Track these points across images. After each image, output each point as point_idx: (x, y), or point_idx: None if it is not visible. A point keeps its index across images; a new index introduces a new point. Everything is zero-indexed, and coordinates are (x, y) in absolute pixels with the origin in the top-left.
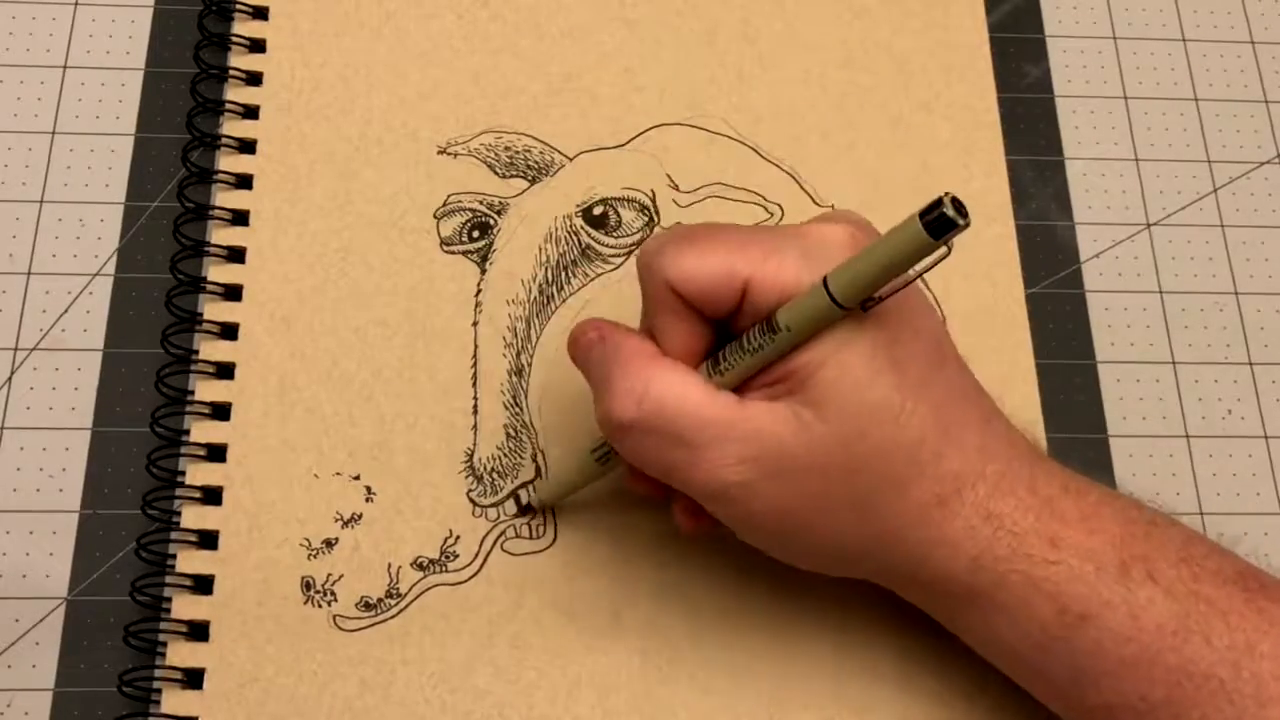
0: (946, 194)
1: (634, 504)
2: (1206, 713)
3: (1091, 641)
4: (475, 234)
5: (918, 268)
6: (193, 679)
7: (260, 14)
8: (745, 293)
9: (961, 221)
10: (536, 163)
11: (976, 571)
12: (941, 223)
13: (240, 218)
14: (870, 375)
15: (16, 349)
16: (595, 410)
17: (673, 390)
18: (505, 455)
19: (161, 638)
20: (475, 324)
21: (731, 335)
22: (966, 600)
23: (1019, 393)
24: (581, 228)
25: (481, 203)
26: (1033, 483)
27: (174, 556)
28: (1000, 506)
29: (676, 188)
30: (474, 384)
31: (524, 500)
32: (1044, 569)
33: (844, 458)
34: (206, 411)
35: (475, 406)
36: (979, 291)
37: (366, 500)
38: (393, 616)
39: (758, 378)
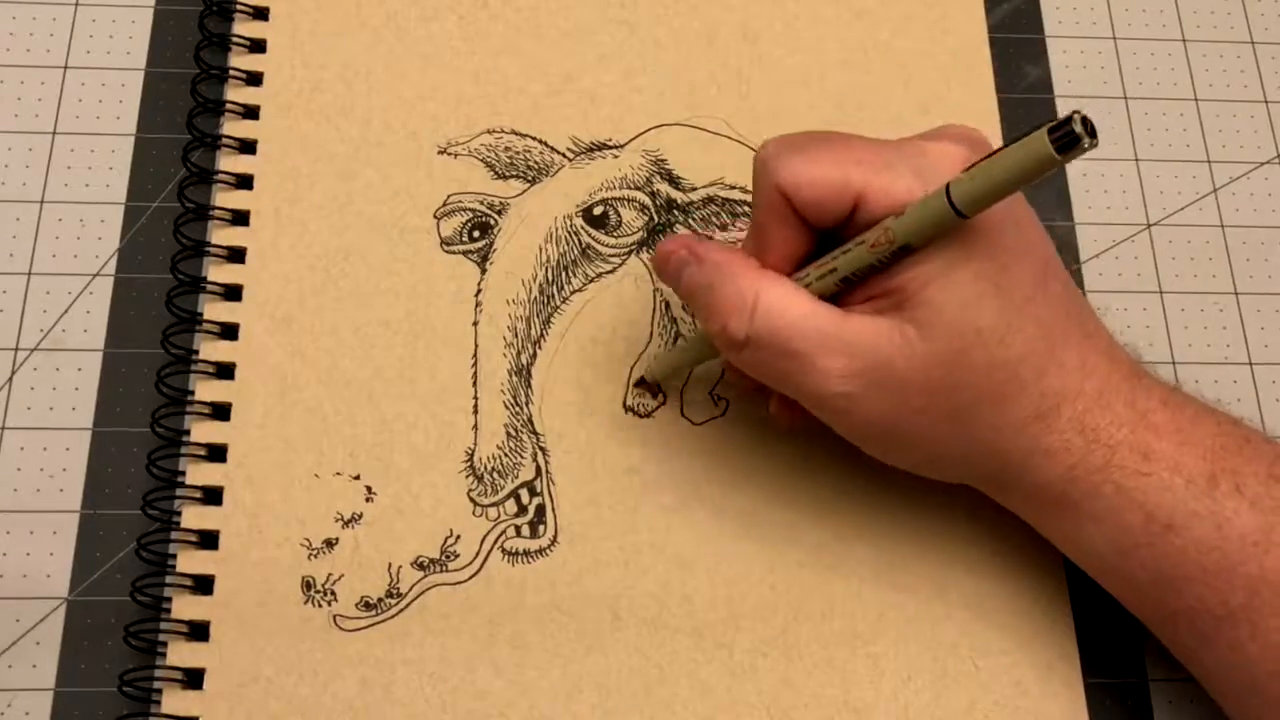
0: (1076, 112)
1: (634, 503)
2: None
3: (1176, 549)
4: (475, 234)
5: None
6: (193, 679)
7: (260, 14)
8: (856, 205)
9: (1089, 141)
10: (536, 163)
11: (1070, 482)
12: (1069, 141)
13: (240, 218)
14: (975, 297)
15: (17, 349)
16: (704, 327)
17: (780, 304)
18: (505, 455)
19: (161, 638)
20: (475, 324)
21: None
22: (1059, 508)
23: None
24: (581, 228)
25: (482, 203)
26: (1131, 397)
27: (174, 556)
28: (1097, 421)
29: (677, 188)
30: (474, 383)
31: (641, 376)
32: (1135, 480)
33: (947, 375)
34: (207, 411)
35: (475, 406)
36: None
37: (367, 500)
38: (393, 616)
39: (859, 290)
